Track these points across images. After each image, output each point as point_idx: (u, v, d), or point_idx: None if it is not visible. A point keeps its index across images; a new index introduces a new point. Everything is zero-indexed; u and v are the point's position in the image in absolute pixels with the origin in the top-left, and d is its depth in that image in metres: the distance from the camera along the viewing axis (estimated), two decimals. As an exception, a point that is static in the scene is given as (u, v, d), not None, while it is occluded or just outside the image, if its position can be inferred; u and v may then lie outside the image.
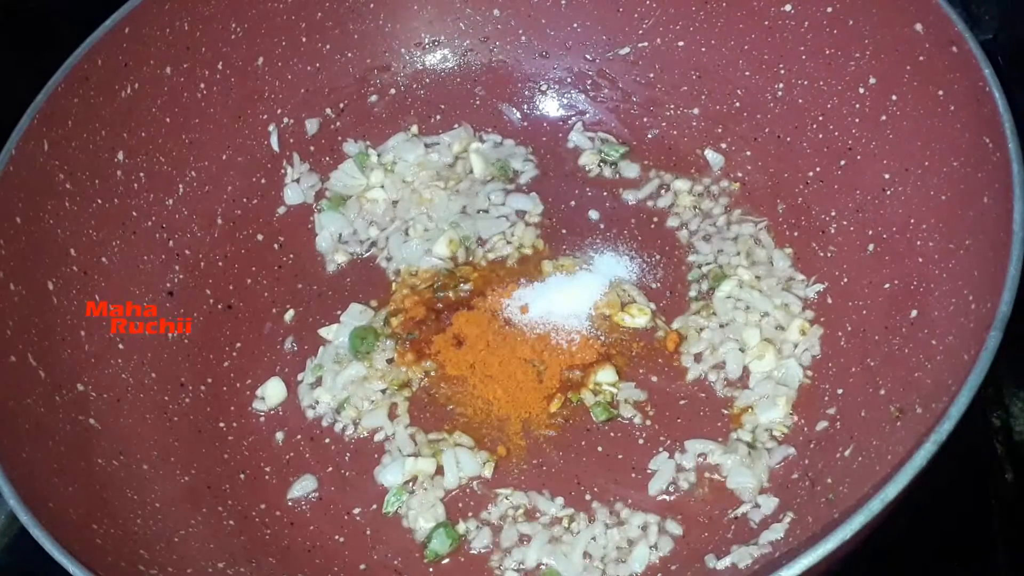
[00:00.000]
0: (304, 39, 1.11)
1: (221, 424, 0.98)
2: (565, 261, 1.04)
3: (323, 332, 1.03)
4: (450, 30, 1.17)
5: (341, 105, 1.15)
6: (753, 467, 0.88)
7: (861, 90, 0.95)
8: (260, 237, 1.09)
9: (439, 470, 0.92)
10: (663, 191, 1.08)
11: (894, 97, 0.91)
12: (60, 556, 0.70)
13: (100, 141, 0.97)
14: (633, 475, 0.90)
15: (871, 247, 0.93)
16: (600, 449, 0.92)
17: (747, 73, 1.06)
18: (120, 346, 0.96)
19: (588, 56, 1.15)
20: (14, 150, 0.89)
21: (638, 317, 0.99)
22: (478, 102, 1.17)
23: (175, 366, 0.99)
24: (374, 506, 0.92)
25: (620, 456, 0.92)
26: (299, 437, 0.97)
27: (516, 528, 0.89)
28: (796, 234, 1.00)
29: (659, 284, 1.02)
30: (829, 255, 0.97)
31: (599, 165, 1.11)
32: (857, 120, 0.96)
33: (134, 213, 1.01)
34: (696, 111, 1.10)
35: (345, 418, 0.97)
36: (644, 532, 0.87)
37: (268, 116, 1.12)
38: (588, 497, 0.90)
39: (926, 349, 0.81)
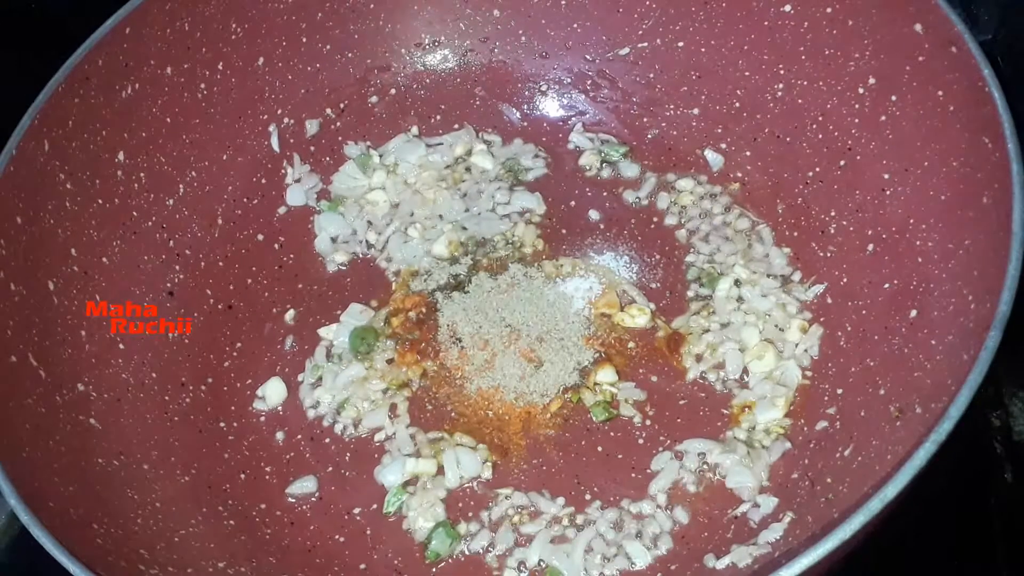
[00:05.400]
0: (304, 39, 1.12)
1: (221, 424, 0.98)
2: (565, 261, 1.04)
3: (323, 332, 1.03)
4: (450, 30, 1.17)
5: (341, 105, 1.15)
6: (753, 467, 0.88)
7: (861, 90, 0.95)
8: (260, 237, 1.10)
9: (439, 470, 0.92)
10: (663, 191, 1.08)
11: (894, 97, 0.91)
12: (60, 556, 0.70)
13: (100, 141, 0.97)
14: (633, 475, 0.90)
15: (871, 247, 0.93)
16: (600, 449, 0.92)
17: (747, 73, 1.06)
18: (120, 346, 0.96)
19: (588, 56, 1.15)
20: (14, 150, 0.89)
21: (638, 317, 0.99)
22: (478, 102, 1.17)
23: (175, 366, 0.99)
24: (374, 506, 0.92)
25: (620, 456, 0.92)
26: (299, 437, 0.97)
27: (516, 528, 0.89)
28: (796, 234, 1.00)
29: (659, 284, 1.02)
30: (829, 255, 0.97)
31: (599, 165, 1.11)
32: (857, 120, 0.96)
33: (134, 213, 1.01)
34: (696, 111, 1.10)
35: (345, 418, 0.97)
36: (644, 531, 0.87)
37: (268, 116, 1.12)
38: (588, 497, 0.90)
39: (926, 349, 0.81)
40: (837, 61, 0.97)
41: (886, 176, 0.92)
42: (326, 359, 1.01)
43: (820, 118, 1.00)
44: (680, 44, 1.10)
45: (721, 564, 0.82)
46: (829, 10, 0.96)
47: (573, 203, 1.09)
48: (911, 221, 0.88)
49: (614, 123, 1.14)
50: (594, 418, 0.94)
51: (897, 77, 0.90)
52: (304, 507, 0.93)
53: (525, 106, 1.16)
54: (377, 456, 0.95)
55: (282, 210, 1.12)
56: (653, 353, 0.97)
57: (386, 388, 0.98)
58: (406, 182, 1.12)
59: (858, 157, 0.96)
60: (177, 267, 1.04)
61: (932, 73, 0.86)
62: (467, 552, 0.89)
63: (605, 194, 1.09)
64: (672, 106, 1.11)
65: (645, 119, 1.12)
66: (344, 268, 1.08)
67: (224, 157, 1.09)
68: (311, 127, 1.14)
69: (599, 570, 0.86)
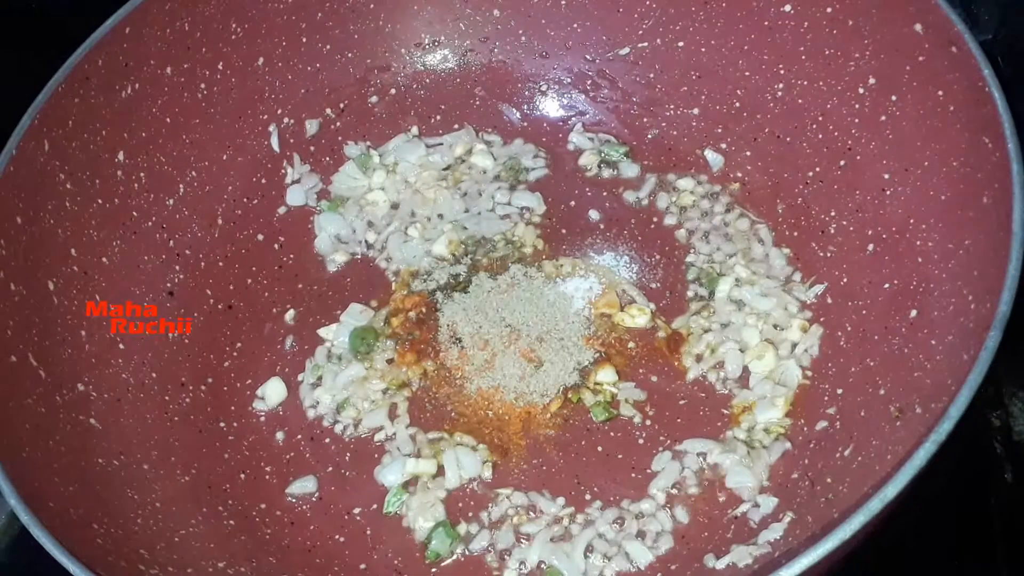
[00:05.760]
0: (304, 39, 1.12)
1: (221, 424, 0.98)
2: (565, 261, 1.04)
3: (323, 332, 1.03)
4: (450, 30, 1.17)
5: (341, 105, 1.16)
6: (753, 467, 0.88)
7: (861, 90, 0.95)
8: (260, 237, 1.10)
9: (439, 470, 0.92)
10: (663, 191, 1.08)
11: (894, 97, 0.91)
12: (60, 556, 0.70)
13: (100, 141, 0.97)
14: (633, 475, 0.90)
15: (871, 247, 0.93)
16: (600, 449, 0.92)
17: (747, 73, 1.06)
18: (120, 346, 0.96)
19: (588, 56, 1.15)
20: (14, 150, 0.89)
21: (638, 317, 0.99)
22: (478, 102, 1.17)
23: (175, 366, 0.99)
24: (374, 506, 0.92)
25: (620, 456, 0.92)
26: (299, 437, 0.97)
27: (517, 528, 0.89)
28: (796, 234, 1.00)
29: (659, 284, 1.02)
30: (829, 255, 0.97)
31: (599, 165, 1.11)
32: (857, 120, 0.96)
33: (134, 213, 1.01)
34: (696, 111, 1.10)
35: (345, 418, 0.97)
36: (644, 531, 0.87)
37: (268, 116, 1.12)
38: (588, 497, 0.90)
39: (926, 349, 0.81)
40: (837, 61, 0.97)
41: (886, 176, 0.92)
42: (326, 359, 1.01)
43: (820, 118, 1.00)
44: (680, 44, 1.10)
45: (721, 564, 0.82)
46: (829, 10, 0.96)
47: (573, 203, 1.09)
48: (911, 221, 0.88)
49: (614, 123, 1.14)
50: (594, 418, 0.94)
51: (897, 77, 0.90)
52: (304, 507, 0.93)
53: (525, 106, 1.16)
54: (377, 456, 0.95)
55: (282, 210, 1.12)
56: (653, 353, 0.97)
57: (386, 388, 0.98)
58: (406, 182, 1.12)
59: (858, 157, 0.96)
60: (177, 267, 1.04)
61: (932, 73, 0.86)
62: (467, 552, 0.89)
63: (605, 194, 1.09)
64: (672, 106, 1.11)
65: (645, 119, 1.12)
66: (344, 268, 1.08)
67: (224, 157, 1.09)
68: (311, 127, 1.14)
69: (599, 570, 0.86)
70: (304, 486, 0.93)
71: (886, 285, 0.90)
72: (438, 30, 1.17)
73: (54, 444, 0.84)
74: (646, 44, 1.12)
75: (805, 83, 1.01)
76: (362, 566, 0.89)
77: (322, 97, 1.14)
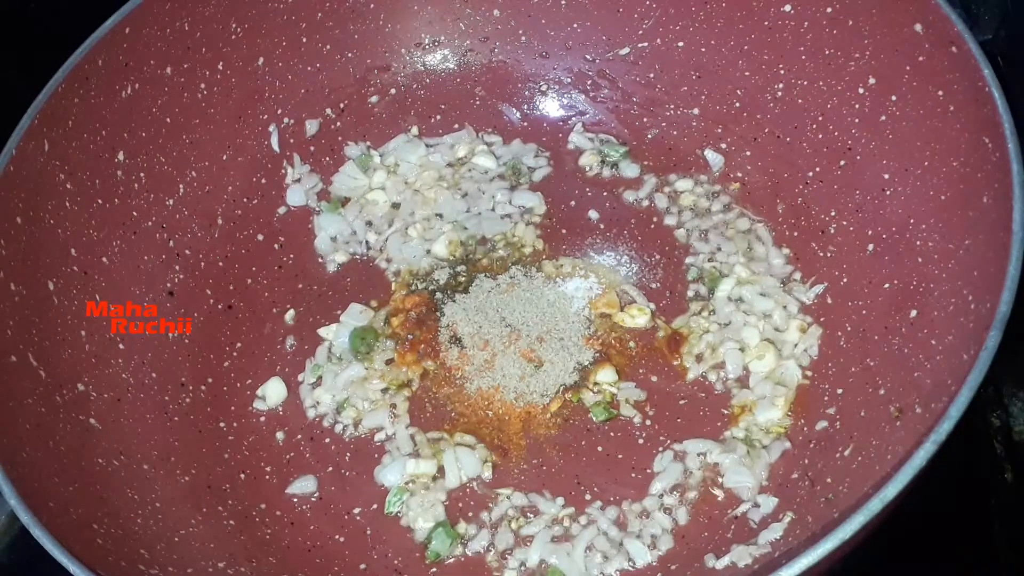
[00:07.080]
0: (304, 39, 1.12)
1: (221, 424, 0.98)
2: (565, 261, 1.04)
3: (323, 332, 1.03)
4: (450, 30, 1.17)
5: (341, 105, 1.16)
6: (752, 466, 0.88)
7: (861, 90, 0.95)
8: (260, 237, 1.10)
9: (439, 470, 0.92)
10: (663, 191, 1.08)
11: (894, 97, 0.91)
12: (60, 556, 0.70)
13: (100, 141, 0.97)
14: (633, 475, 0.90)
15: (871, 247, 0.93)
16: (600, 449, 0.92)
17: (747, 73, 1.06)
18: (120, 346, 0.96)
19: (588, 56, 1.15)
20: (14, 150, 0.89)
21: (638, 317, 0.99)
22: (478, 102, 1.17)
23: (175, 366, 0.99)
24: (374, 506, 0.92)
25: (620, 456, 0.92)
26: (299, 437, 0.97)
27: (517, 528, 0.89)
28: (796, 234, 1.00)
29: (659, 284, 1.02)
30: (829, 255, 0.97)
31: (599, 165, 1.11)
32: (857, 120, 0.96)
33: (134, 213, 1.01)
34: (696, 111, 1.10)
35: (345, 418, 0.97)
36: (644, 531, 0.87)
37: (268, 116, 1.12)
38: (588, 497, 0.90)
39: (926, 349, 0.81)
40: (837, 61, 0.97)
41: (886, 176, 0.92)
42: (326, 359, 1.01)
43: (820, 118, 1.00)
44: (680, 44, 1.10)
45: (721, 564, 0.82)
46: (829, 10, 0.96)
47: (573, 203, 1.09)
48: (911, 221, 0.88)
49: (614, 123, 1.14)
50: (594, 418, 0.94)
51: (897, 77, 0.90)
52: (304, 507, 0.93)
53: (525, 106, 1.16)
54: (377, 456, 0.95)
55: (282, 210, 1.12)
56: (653, 353, 0.97)
57: (386, 388, 0.98)
58: (406, 182, 1.12)
59: (858, 157, 0.96)
60: (177, 267, 1.04)
61: (932, 73, 0.86)
62: (467, 552, 0.89)
63: (605, 194, 1.09)
64: (672, 106, 1.11)
65: (645, 119, 1.12)
66: (344, 268, 1.08)
67: (224, 157, 1.09)
68: (311, 127, 1.14)
69: (599, 569, 0.86)
70: (304, 486, 0.93)
71: (886, 285, 0.90)
72: (438, 30, 1.17)
73: (54, 444, 0.84)
74: (646, 44, 1.12)
75: (805, 83, 1.01)
76: (362, 566, 0.89)
77: (322, 97, 1.14)
